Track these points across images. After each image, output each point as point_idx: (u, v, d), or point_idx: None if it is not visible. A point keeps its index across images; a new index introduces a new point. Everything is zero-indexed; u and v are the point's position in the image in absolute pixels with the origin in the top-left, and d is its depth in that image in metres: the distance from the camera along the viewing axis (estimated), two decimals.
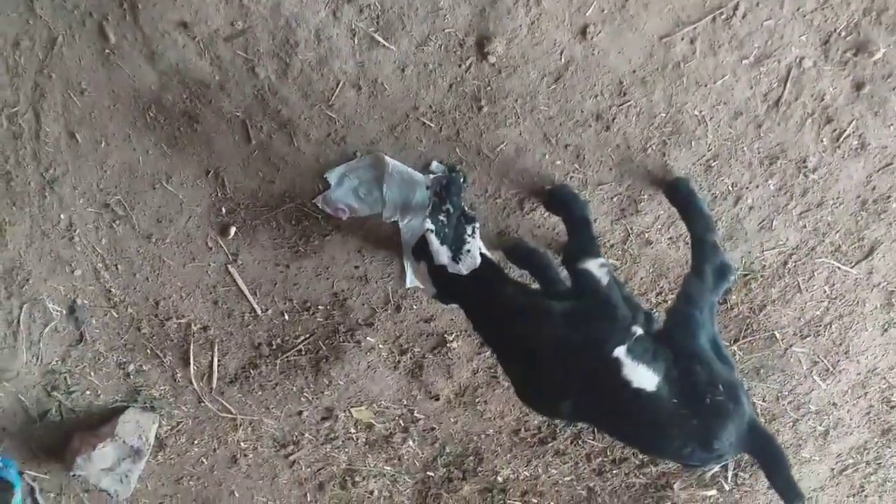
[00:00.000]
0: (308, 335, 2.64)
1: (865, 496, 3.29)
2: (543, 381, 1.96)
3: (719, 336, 2.08)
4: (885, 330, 2.67)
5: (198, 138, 2.16)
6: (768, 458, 2.02)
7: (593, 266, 2.03)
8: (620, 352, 1.89)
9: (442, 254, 2.09)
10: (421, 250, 2.14)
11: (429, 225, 2.10)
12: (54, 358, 2.58)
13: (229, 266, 2.44)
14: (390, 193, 2.26)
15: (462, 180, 2.22)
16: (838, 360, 2.76)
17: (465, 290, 2.08)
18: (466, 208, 2.23)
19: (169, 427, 2.87)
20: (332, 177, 2.24)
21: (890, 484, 3.23)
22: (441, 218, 2.13)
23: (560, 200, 2.22)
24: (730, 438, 1.89)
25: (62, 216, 2.27)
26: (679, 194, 2.20)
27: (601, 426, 2.15)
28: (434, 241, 2.08)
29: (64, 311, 2.47)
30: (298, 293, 2.52)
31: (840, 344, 2.72)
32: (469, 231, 2.14)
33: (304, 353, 2.68)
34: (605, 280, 2.01)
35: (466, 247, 2.11)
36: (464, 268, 2.08)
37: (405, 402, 2.88)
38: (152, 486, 3.07)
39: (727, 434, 1.88)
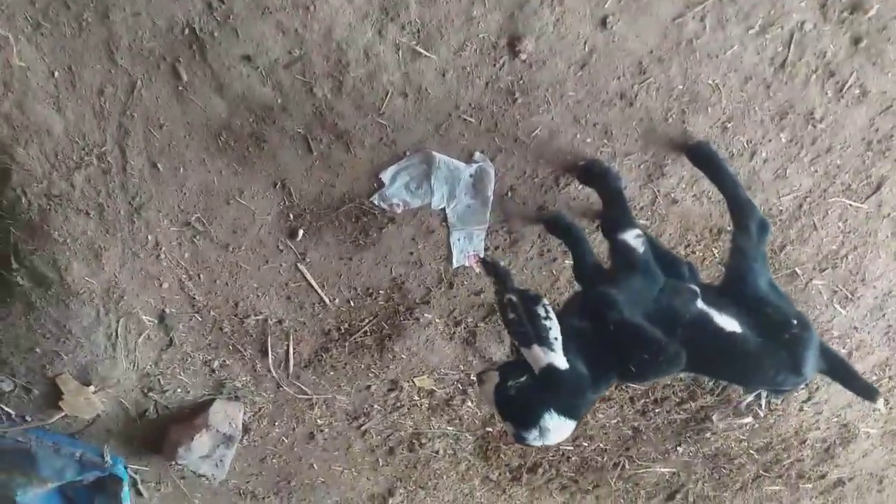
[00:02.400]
0: (372, 318, 2.88)
1: (890, 408, 3.54)
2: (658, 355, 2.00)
3: (773, 279, 2.27)
4: None
5: (265, 155, 2.38)
6: (839, 371, 2.28)
7: (630, 237, 2.20)
8: (702, 305, 2.09)
9: (541, 356, 1.90)
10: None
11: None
12: (148, 363, 2.85)
13: (299, 264, 2.68)
14: (437, 184, 2.49)
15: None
16: (856, 288, 2.97)
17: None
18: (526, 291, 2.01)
19: (252, 413, 3.13)
20: (386, 176, 2.46)
21: None
22: (511, 317, 1.95)
23: (594, 174, 2.40)
24: (812, 363, 2.11)
25: (149, 237, 2.51)
26: (702, 157, 2.40)
27: (707, 372, 2.34)
28: (537, 350, 1.89)
29: (155, 321, 2.74)
30: (361, 281, 2.76)
31: (856, 273, 2.92)
32: (543, 314, 1.93)
33: (369, 333, 2.93)
34: (640, 249, 2.18)
35: (552, 333, 1.93)
36: (559, 350, 1.91)
37: (462, 368, 3.11)
38: (239, 468, 3.35)
39: (811, 360, 2.10)
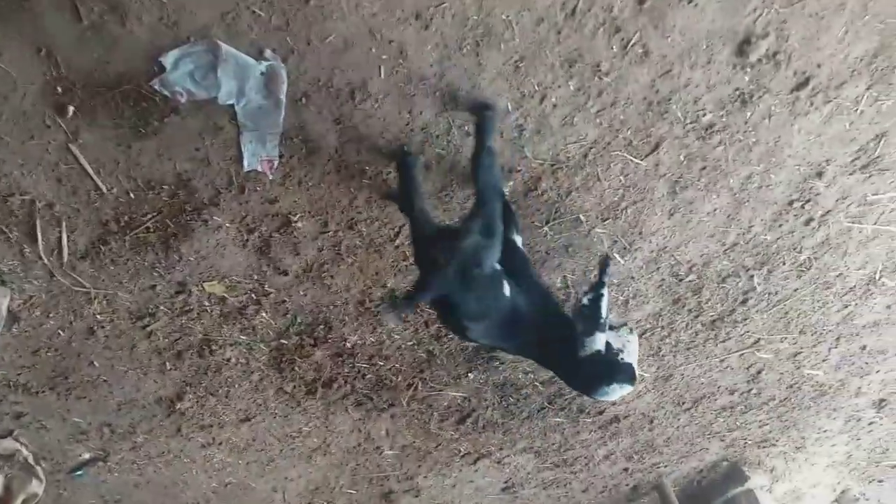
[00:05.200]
0: (155, 213, 2.77)
1: (662, 356, 3.88)
2: None
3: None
4: (672, 214, 3.10)
5: (26, 15, 2.17)
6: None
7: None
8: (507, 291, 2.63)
9: None
10: None
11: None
12: None
13: (70, 145, 2.50)
14: (225, 77, 2.39)
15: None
16: (634, 240, 3.19)
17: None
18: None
19: (21, 301, 2.97)
20: (167, 60, 2.33)
21: (682, 344, 3.79)
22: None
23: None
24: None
25: None
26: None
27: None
28: None
29: None
30: (142, 173, 2.63)
31: (635, 226, 3.13)
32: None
33: (152, 230, 2.82)
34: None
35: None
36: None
37: (255, 277, 3.10)
38: (9, 359, 3.19)
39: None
